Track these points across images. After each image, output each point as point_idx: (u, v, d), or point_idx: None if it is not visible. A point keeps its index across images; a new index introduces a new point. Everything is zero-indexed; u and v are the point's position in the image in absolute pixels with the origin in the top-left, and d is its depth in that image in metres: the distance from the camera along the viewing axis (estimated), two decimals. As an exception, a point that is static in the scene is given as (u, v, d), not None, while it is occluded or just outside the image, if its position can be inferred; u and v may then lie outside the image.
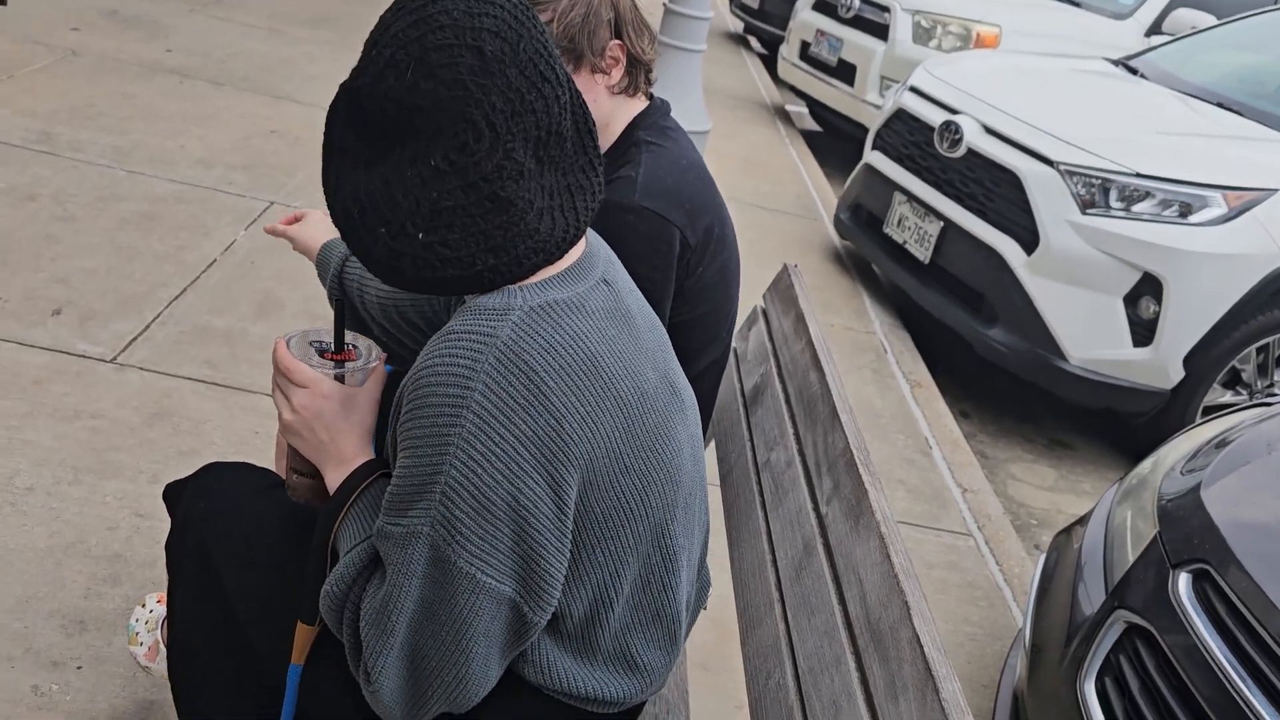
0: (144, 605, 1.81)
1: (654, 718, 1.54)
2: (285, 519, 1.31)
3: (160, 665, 1.73)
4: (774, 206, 5.56)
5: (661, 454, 1.11)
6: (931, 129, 4.24)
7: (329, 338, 1.22)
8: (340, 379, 1.17)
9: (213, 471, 1.37)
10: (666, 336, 1.20)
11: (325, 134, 1.04)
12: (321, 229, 1.61)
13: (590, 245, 1.16)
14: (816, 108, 7.09)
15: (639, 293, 1.24)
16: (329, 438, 1.15)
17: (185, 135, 4.40)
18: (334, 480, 1.16)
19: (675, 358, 1.22)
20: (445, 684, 1.06)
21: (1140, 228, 3.52)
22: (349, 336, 1.23)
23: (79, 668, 1.93)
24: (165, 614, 1.76)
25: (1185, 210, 3.54)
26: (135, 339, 2.94)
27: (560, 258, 1.07)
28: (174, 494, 1.40)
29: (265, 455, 2.59)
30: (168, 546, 1.39)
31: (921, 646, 1.05)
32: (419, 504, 0.99)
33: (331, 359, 1.19)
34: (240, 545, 1.28)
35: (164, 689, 1.92)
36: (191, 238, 3.58)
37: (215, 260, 3.47)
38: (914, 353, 4.24)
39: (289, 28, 6.45)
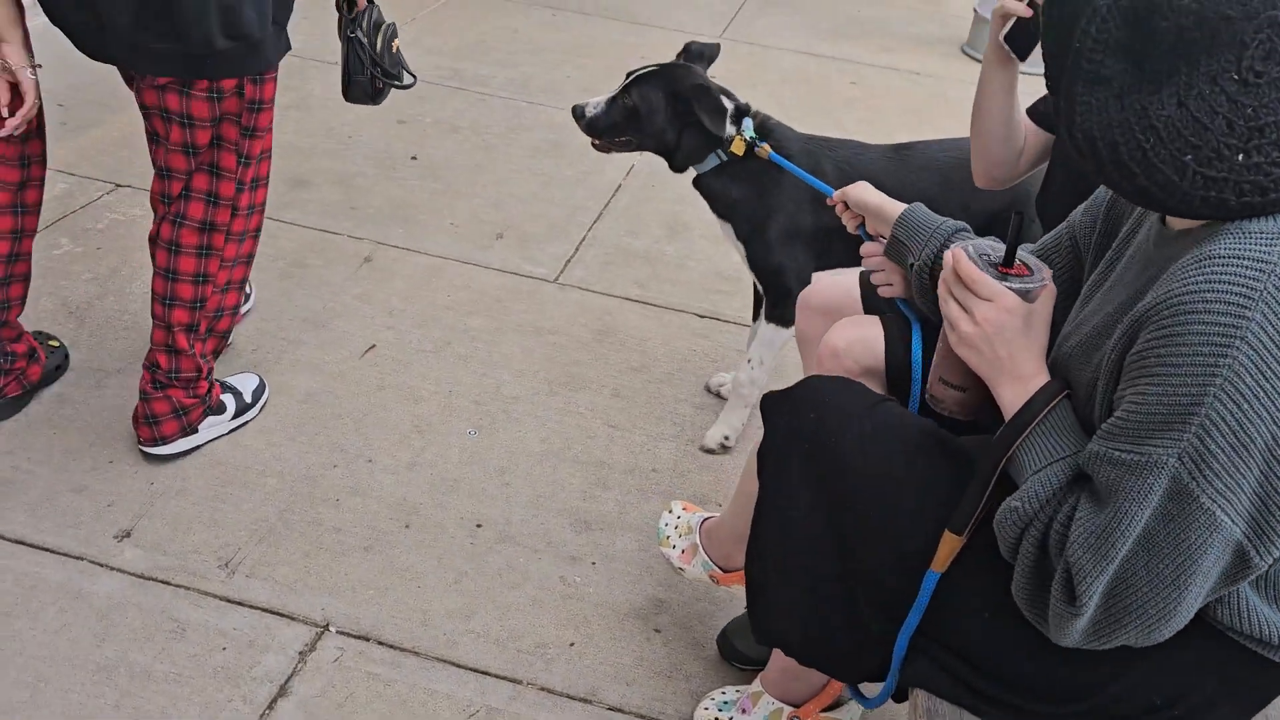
0: (670, 510, 1.93)
1: None
2: (913, 430, 1.34)
3: (695, 569, 1.85)
4: None
5: None
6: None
7: (991, 252, 1.21)
8: (1022, 294, 1.16)
9: (820, 385, 1.42)
10: None
11: (1062, 67, 1.00)
12: (870, 192, 1.64)
13: None
14: None
15: None
16: (1008, 354, 1.16)
17: (567, 65, 4.60)
18: (1010, 397, 1.16)
19: None
20: (1147, 617, 1.05)
21: None
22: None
23: (593, 563, 2.10)
24: (702, 519, 1.88)
25: None
26: (569, 261, 3.13)
27: None
28: (774, 404, 1.46)
29: (703, 371, 2.70)
30: (762, 452, 1.46)
31: None
32: (1166, 434, 0.97)
33: (1003, 272, 1.18)
34: (858, 454, 1.32)
35: (672, 587, 2.05)
36: (594, 163, 3.75)
37: (620, 185, 3.62)
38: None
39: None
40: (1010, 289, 1.15)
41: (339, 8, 2.16)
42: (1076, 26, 0.99)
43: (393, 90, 2.29)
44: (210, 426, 2.24)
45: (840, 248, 2.27)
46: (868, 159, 2.25)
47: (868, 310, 1.91)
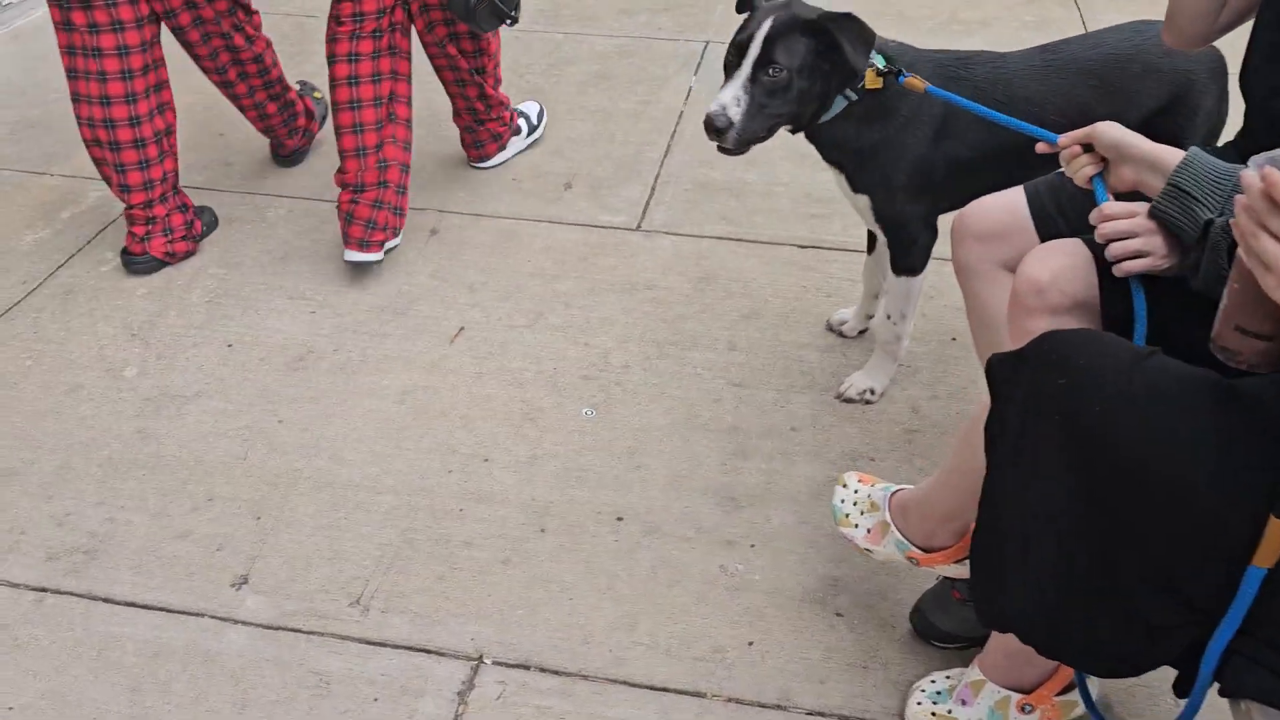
0: (844, 485, 1.72)
1: None
2: (1196, 385, 1.10)
3: (886, 548, 1.64)
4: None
5: None
6: None
7: None
8: None
9: (1063, 341, 1.18)
10: None
11: None
12: (1127, 134, 1.33)
13: None
14: None
15: None
16: None
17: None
18: None
19: None
20: None
21: None
22: None
23: (752, 545, 1.89)
24: (889, 493, 1.66)
25: None
26: (648, 204, 2.87)
27: None
28: (1006, 370, 1.23)
29: (819, 309, 2.46)
30: (992, 427, 1.24)
31: None
32: None
33: None
34: (1131, 422, 1.09)
35: (844, 562, 1.85)
36: (650, 90, 3.46)
37: (682, 112, 3.33)
38: None
39: None
40: None
41: None
42: None
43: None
44: (513, 145, 3.05)
45: (964, 184, 1.96)
46: (1010, 71, 1.92)
47: (1041, 231, 1.67)
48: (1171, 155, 1.27)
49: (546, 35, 3.85)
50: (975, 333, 1.80)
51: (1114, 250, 1.31)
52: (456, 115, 2.93)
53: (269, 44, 2.74)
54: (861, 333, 2.37)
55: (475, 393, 2.24)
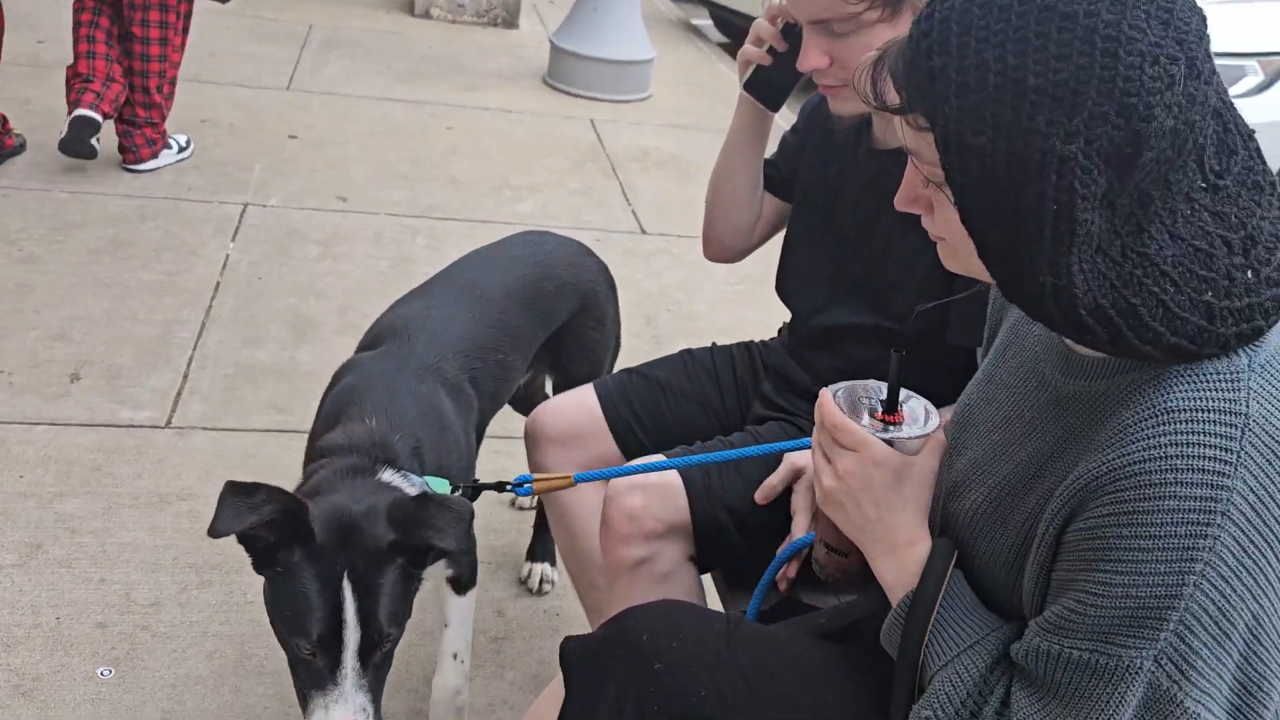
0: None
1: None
2: (794, 646, 1.05)
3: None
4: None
5: None
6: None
7: (881, 394, 0.99)
8: (891, 444, 0.95)
9: (646, 620, 1.05)
10: None
11: (1025, 236, 0.77)
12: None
13: None
14: (725, 14, 6.80)
15: None
16: (877, 515, 0.95)
17: (111, 141, 3.80)
18: (886, 571, 0.95)
19: None
20: None
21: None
22: (902, 395, 0.99)
23: (326, 819, 1.58)
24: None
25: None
26: (180, 395, 2.48)
27: None
28: (588, 658, 1.06)
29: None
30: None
31: None
32: (1139, 632, 0.77)
33: (882, 420, 0.98)
34: (746, 703, 1.00)
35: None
36: (179, 259, 3.08)
37: (219, 283, 2.99)
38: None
39: None
40: (879, 439, 0.95)
41: None
42: (1042, 182, 0.75)
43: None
44: (166, 157, 3.62)
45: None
46: (448, 318, 1.69)
47: (616, 431, 1.60)
48: None
49: (44, 193, 3.32)
50: (561, 543, 1.68)
51: None
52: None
53: None
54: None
55: (-60, 668, 1.72)
